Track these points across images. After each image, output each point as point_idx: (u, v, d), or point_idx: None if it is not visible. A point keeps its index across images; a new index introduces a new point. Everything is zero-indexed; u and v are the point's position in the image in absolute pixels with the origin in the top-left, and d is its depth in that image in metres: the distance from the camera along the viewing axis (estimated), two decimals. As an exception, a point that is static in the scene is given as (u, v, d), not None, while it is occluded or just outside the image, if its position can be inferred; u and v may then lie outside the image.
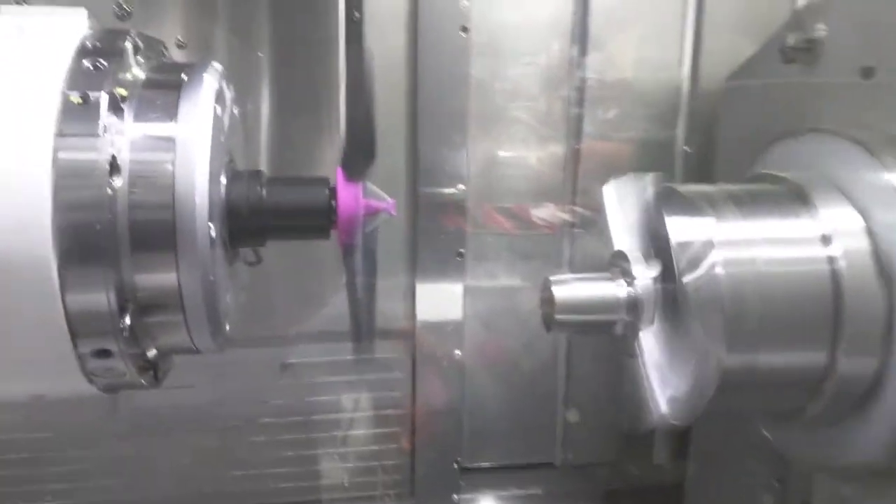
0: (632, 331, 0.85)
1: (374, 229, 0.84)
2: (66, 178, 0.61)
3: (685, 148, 1.30)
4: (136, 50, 0.72)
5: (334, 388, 1.31)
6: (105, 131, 0.63)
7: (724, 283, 0.76)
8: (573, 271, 1.20)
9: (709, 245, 0.77)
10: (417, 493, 1.36)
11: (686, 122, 1.30)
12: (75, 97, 0.63)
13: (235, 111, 0.81)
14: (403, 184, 1.27)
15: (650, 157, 1.32)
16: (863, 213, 0.78)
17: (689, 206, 0.82)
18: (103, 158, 0.62)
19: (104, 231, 0.62)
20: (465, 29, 1.22)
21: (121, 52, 0.68)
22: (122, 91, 0.66)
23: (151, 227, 0.66)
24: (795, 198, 0.82)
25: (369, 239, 0.83)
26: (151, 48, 0.77)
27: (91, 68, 0.65)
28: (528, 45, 1.27)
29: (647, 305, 0.83)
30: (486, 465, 1.40)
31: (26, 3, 1.06)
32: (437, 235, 1.28)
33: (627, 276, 0.85)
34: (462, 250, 1.29)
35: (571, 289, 0.86)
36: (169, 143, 0.67)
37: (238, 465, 1.31)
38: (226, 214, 0.74)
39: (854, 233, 0.77)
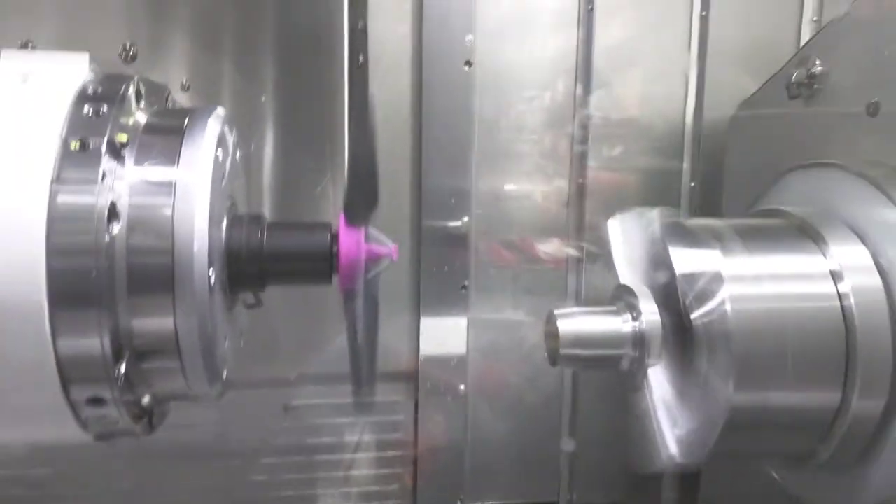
0: (638, 366, 0.83)
1: (376, 275, 0.83)
2: (62, 223, 0.61)
3: (691, 183, 1.30)
4: (139, 95, 0.72)
5: (337, 429, 1.30)
6: (104, 177, 0.63)
7: (732, 320, 0.75)
8: (579, 305, 1.19)
9: (717, 280, 0.76)
10: (420, 531, 1.33)
11: (691, 157, 1.30)
12: (74, 143, 0.63)
13: (238, 155, 0.81)
14: (408, 216, 1.27)
15: (656, 192, 1.32)
16: (872, 249, 0.77)
17: (696, 241, 0.81)
18: (101, 204, 0.62)
19: (100, 276, 0.62)
20: (469, 63, 1.22)
21: (122, 98, 0.68)
22: (122, 137, 0.66)
23: (149, 272, 0.65)
24: (803, 233, 0.81)
25: (371, 285, 0.82)
26: (155, 93, 0.77)
27: (91, 114, 0.65)
28: (532, 84, 1.28)
29: (654, 341, 0.81)
30: (489, 503, 1.38)
31: (32, 46, 1.08)
32: (441, 268, 1.27)
33: (633, 310, 0.84)
34: (466, 283, 1.28)
35: (577, 322, 0.85)
36: (169, 188, 0.67)
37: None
38: (226, 259, 0.74)
39: (864, 269, 0.76)
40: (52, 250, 0.61)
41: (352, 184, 0.82)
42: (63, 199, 0.61)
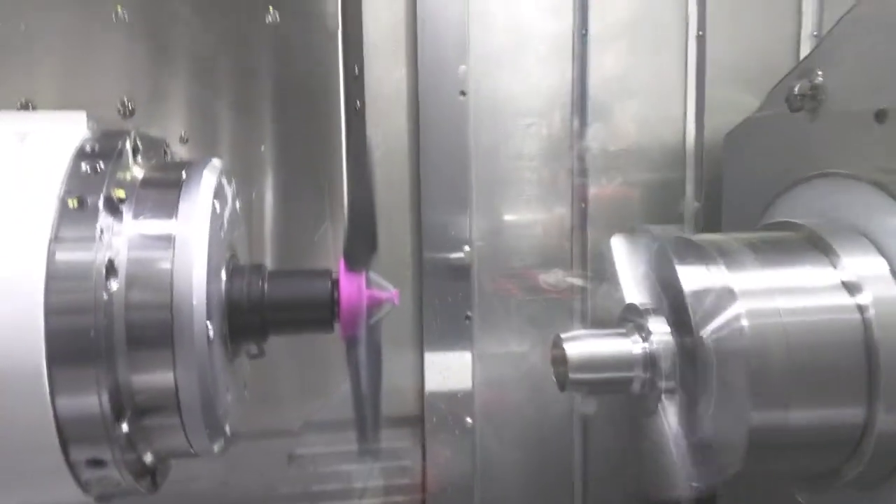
0: (650, 389, 0.80)
1: (378, 321, 0.82)
2: (60, 282, 0.61)
3: (696, 203, 1.28)
4: (136, 150, 0.73)
5: (342, 477, 1.27)
6: (102, 234, 0.63)
7: (747, 336, 0.72)
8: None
9: (729, 296, 0.74)
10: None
11: (694, 178, 1.28)
12: (72, 201, 0.63)
13: (237, 205, 0.81)
14: (408, 249, 1.26)
15: (658, 216, 1.30)
16: (889, 258, 0.74)
17: (703, 256, 0.79)
18: (99, 261, 0.62)
19: (98, 334, 0.61)
20: (463, 93, 1.22)
21: (119, 153, 0.69)
22: (119, 193, 0.66)
23: (148, 328, 0.65)
24: (814, 245, 0.79)
25: (373, 331, 0.81)
26: (152, 147, 0.78)
27: (89, 171, 0.66)
28: (530, 117, 1.28)
29: (665, 361, 0.79)
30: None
31: (32, 105, 1.10)
32: (443, 300, 1.26)
33: (643, 331, 0.81)
34: (469, 314, 1.26)
35: (584, 345, 0.82)
36: (167, 241, 0.67)
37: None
38: (226, 311, 0.73)
39: (882, 279, 0.74)
40: (51, 309, 0.61)
41: (351, 229, 0.83)
42: (61, 257, 0.62)
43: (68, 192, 0.64)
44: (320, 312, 0.78)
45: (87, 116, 0.73)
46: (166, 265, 0.66)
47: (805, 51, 1.25)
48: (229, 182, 0.78)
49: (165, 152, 0.83)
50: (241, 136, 1.21)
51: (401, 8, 1.21)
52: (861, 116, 0.80)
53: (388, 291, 0.80)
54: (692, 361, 0.78)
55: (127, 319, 0.64)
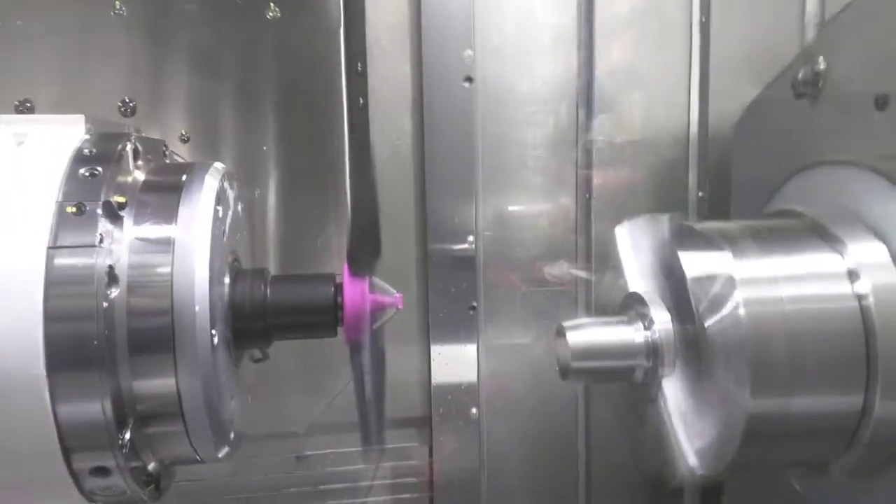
0: (652, 377, 0.80)
1: (382, 325, 0.82)
2: (59, 288, 0.61)
3: (699, 193, 1.27)
4: (136, 153, 0.72)
5: (350, 476, 1.28)
6: (101, 240, 0.62)
7: (747, 324, 0.72)
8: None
9: (730, 284, 0.74)
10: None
11: (698, 168, 1.28)
12: (70, 208, 0.63)
13: (239, 208, 0.81)
14: (413, 240, 1.26)
15: (664, 207, 1.29)
16: (890, 246, 0.74)
17: (706, 244, 0.78)
18: (99, 268, 0.62)
19: (100, 341, 0.61)
20: (469, 79, 1.22)
21: (118, 157, 0.68)
22: (119, 198, 0.66)
23: (150, 335, 0.65)
24: (817, 233, 0.79)
25: (377, 335, 0.81)
26: (151, 149, 0.77)
27: (88, 176, 0.65)
28: (535, 109, 1.27)
29: (668, 350, 0.79)
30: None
31: (31, 104, 1.09)
32: (448, 290, 1.26)
33: (645, 319, 0.81)
34: (475, 304, 1.26)
35: (587, 334, 0.83)
36: (168, 247, 0.67)
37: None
38: (229, 316, 0.73)
39: (882, 267, 0.74)
40: (50, 316, 0.60)
41: (354, 233, 0.82)
42: (60, 263, 0.61)
43: (67, 198, 0.63)
44: (324, 317, 0.78)
45: (86, 119, 0.72)
46: (167, 271, 0.65)
47: (810, 37, 1.25)
48: (231, 185, 0.77)
49: (165, 154, 0.82)
50: (243, 135, 1.20)
51: (404, 1, 1.20)
52: (862, 103, 0.80)
53: (392, 296, 0.80)
54: (693, 349, 0.78)
55: (129, 326, 0.64)
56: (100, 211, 0.63)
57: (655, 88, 1.28)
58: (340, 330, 0.79)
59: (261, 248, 1.20)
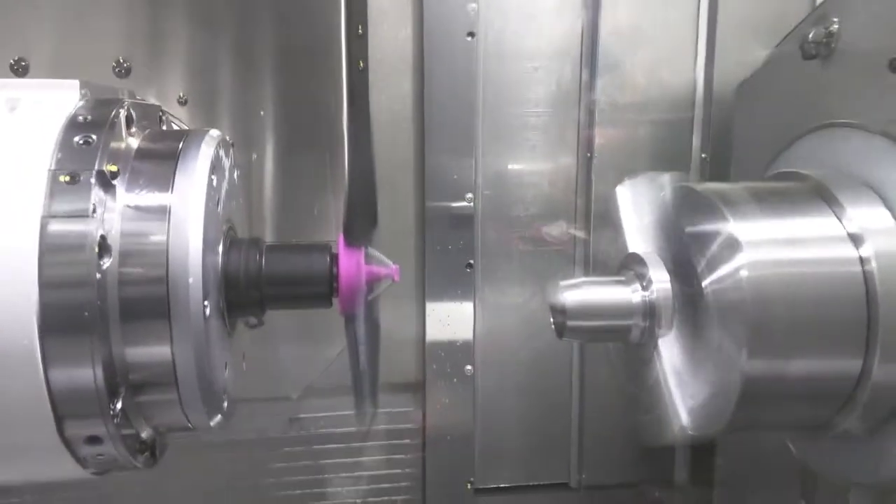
0: (649, 337, 0.80)
1: (377, 297, 0.81)
2: (53, 256, 0.60)
3: (703, 155, 1.26)
4: (130, 120, 0.70)
5: (343, 437, 1.30)
6: (94, 210, 0.62)
7: (747, 287, 0.72)
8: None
9: (732, 245, 0.73)
10: (431, 514, 1.32)
11: (702, 130, 1.26)
12: (63, 176, 0.62)
13: (235, 176, 0.80)
14: (412, 197, 1.25)
15: (665, 168, 1.28)
16: (894, 210, 0.73)
17: (708, 205, 0.77)
18: (92, 237, 0.61)
19: (93, 309, 0.60)
20: (471, 34, 1.19)
21: (112, 124, 0.67)
22: (112, 167, 0.64)
23: (143, 304, 0.64)
24: (820, 196, 0.78)
25: (372, 307, 0.80)
26: (146, 115, 0.76)
27: (81, 143, 0.64)
28: (538, 66, 1.26)
29: (665, 310, 0.78)
30: (500, 485, 1.36)
31: (25, 63, 1.08)
32: (446, 248, 1.25)
33: (643, 279, 0.81)
34: (471, 261, 1.26)
35: (583, 293, 0.82)
36: (162, 216, 0.66)
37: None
38: (223, 285, 0.72)
39: (886, 231, 0.73)
40: (44, 284, 0.59)
41: (351, 204, 0.81)
42: (53, 231, 0.60)
43: (60, 166, 0.62)
44: (318, 288, 0.77)
45: (81, 84, 0.70)
46: (162, 240, 0.64)
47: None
48: (227, 152, 0.76)
49: (161, 119, 0.81)
50: (241, 98, 1.18)
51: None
52: (875, 65, 0.78)
53: (388, 267, 0.79)
54: (692, 310, 0.77)
55: (121, 295, 0.63)
56: (93, 180, 0.62)
57: (661, 49, 1.26)
58: (335, 301, 0.79)
59: (258, 214, 1.20)
